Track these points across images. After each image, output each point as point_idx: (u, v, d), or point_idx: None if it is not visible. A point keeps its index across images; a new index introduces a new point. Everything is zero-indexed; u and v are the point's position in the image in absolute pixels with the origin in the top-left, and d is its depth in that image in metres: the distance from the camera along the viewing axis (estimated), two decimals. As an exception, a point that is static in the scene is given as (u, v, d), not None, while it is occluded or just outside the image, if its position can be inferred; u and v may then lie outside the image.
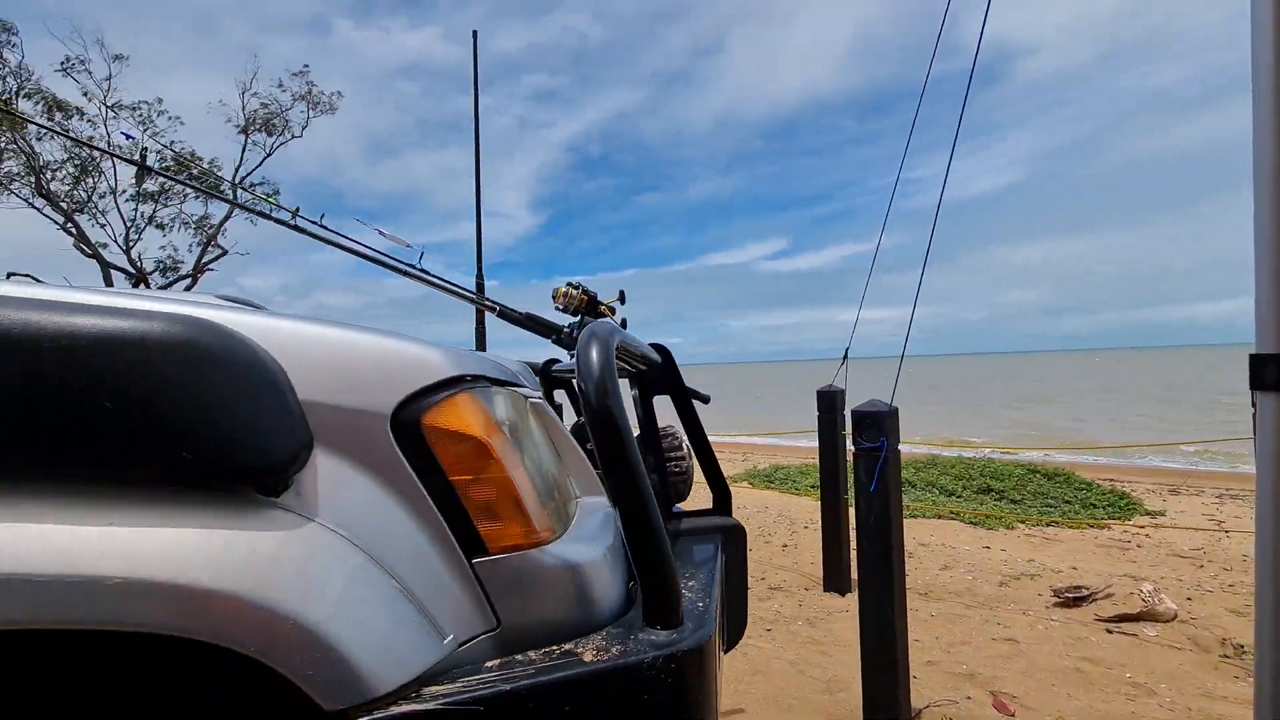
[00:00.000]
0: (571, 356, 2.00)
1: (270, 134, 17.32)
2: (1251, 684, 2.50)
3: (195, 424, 0.60)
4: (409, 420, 0.78)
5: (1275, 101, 0.92)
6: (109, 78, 15.10)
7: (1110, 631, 2.97)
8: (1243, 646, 2.72)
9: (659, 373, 1.45)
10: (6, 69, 13.99)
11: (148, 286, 16.63)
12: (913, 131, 2.23)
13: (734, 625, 1.43)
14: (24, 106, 14.07)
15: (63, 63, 14.73)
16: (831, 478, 3.68)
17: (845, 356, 3.07)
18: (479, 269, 2.65)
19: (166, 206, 16.80)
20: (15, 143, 14.05)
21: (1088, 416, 21.09)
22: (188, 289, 17.28)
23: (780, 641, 2.95)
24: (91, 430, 0.57)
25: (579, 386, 0.88)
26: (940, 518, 5.71)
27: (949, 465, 7.87)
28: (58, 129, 13.55)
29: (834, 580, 3.64)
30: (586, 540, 0.97)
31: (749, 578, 3.82)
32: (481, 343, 2.60)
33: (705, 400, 2.15)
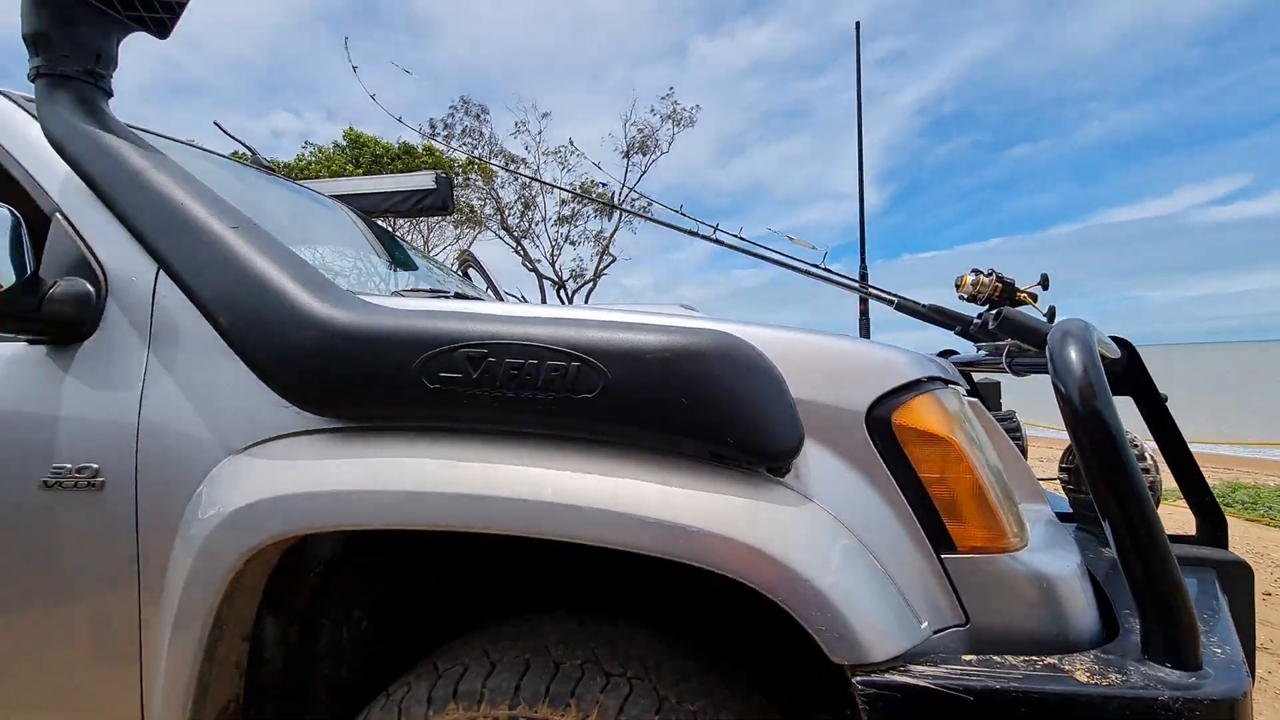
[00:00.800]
0: (979, 349, 1.85)
1: (645, 154, 20.18)
2: None
3: (734, 415, 0.77)
4: (881, 418, 0.85)
5: None
6: (540, 132, 19.66)
7: None
8: None
9: (1120, 370, 1.24)
10: (483, 140, 19.42)
11: (567, 291, 21.19)
12: None
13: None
14: (494, 164, 19.28)
15: (514, 126, 19.75)
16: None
17: None
18: (862, 260, 2.64)
19: (576, 227, 21.10)
20: (491, 192, 19.41)
21: None
22: (590, 290, 21.43)
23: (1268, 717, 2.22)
24: (676, 417, 0.78)
25: (1058, 387, 0.82)
26: None
27: None
28: (530, 175, 18.27)
29: (1373, 659, 2.56)
30: (1053, 552, 0.90)
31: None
32: (866, 333, 2.60)
33: (1160, 401, 1.75)
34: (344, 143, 16.75)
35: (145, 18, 1.19)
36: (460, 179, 18.45)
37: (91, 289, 1.04)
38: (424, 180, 2.74)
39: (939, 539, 0.83)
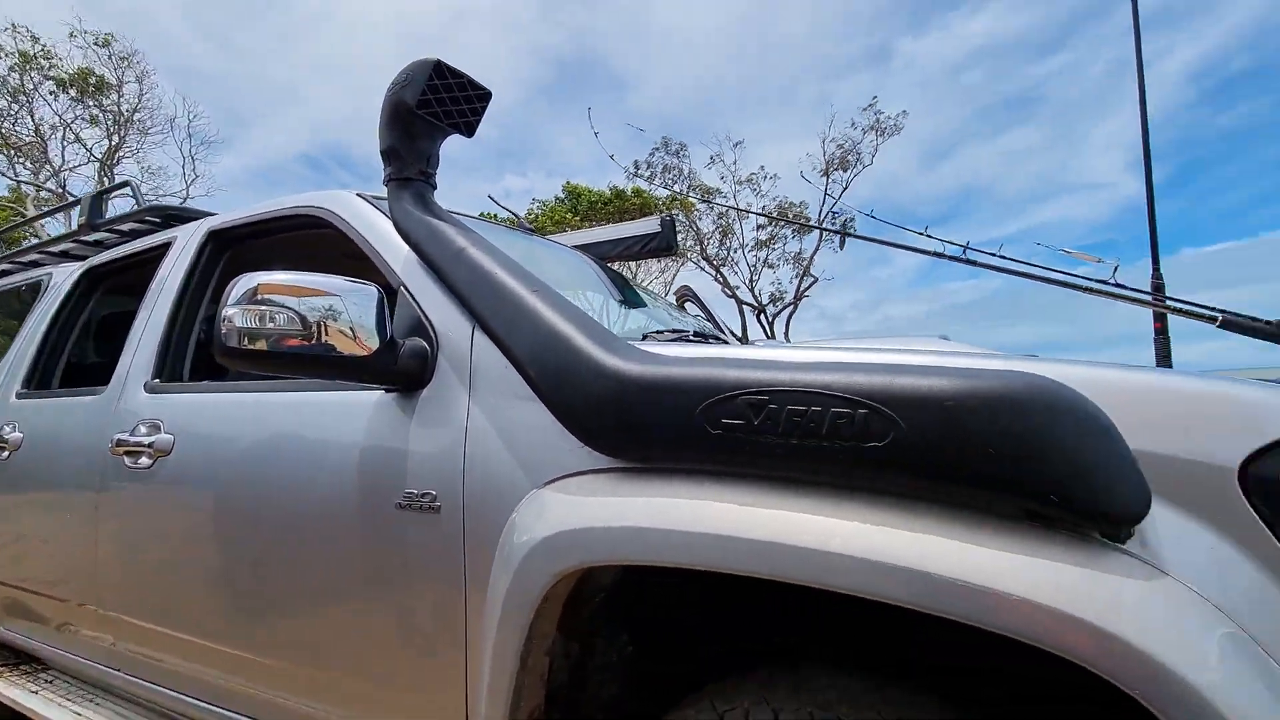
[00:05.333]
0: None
1: (845, 169, 19.36)
2: None
3: (1059, 467, 0.68)
4: (1264, 476, 0.69)
5: None
6: (735, 161, 19.98)
7: None
8: None
9: None
10: (682, 175, 20.29)
11: (767, 316, 20.99)
12: None
13: None
14: (691, 196, 20.04)
15: (710, 160, 20.35)
16: None
17: None
18: (1154, 268, 2.20)
19: (774, 250, 20.89)
20: (691, 224, 20.15)
21: None
22: (791, 314, 20.94)
23: None
24: (982, 469, 0.72)
25: None
26: None
27: None
28: (730, 204, 18.75)
29: None
30: None
31: None
32: (1166, 357, 2.15)
33: None
34: (563, 195, 18.76)
35: (460, 123, 1.46)
36: (669, 216, 19.50)
37: (427, 346, 1.29)
38: (651, 225, 2.94)
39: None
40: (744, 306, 21.31)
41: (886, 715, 0.84)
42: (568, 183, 18.69)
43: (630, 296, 2.47)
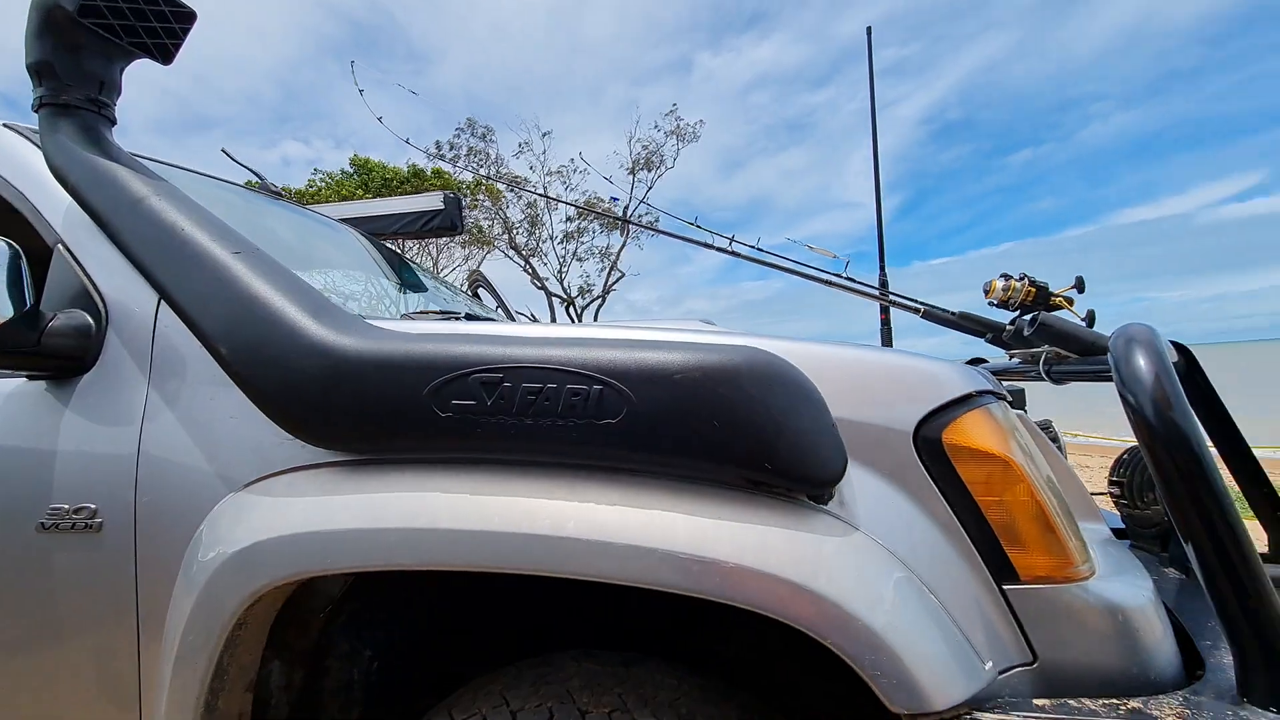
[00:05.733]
0: (1011, 356, 1.78)
1: (650, 169, 20.27)
2: None
3: (772, 438, 0.71)
4: (930, 437, 0.78)
5: None
6: (544, 151, 19.84)
7: None
8: None
9: (1179, 376, 1.16)
10: (489, 160, 19.61)
11: (576, 308, 21.24)
12: None
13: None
14: (498, 184, 19.45)
15: (518, 147, 19.96)
16: None
17: None
18: (881, 268, 2.57)
19: (582, 243, 21.18)
20: (498, 212, 19.57)
21: None
22: (599, 307, 21.45)
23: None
24: (708, 442, 0.72)
25: (1127, 398, 0.75)
26: None
27: None
28: (539, 192, 18.40)
29: None
30: (1124, 579, 0.83)
31: None
32: (888, 343, 2.52)
33: (1223, 409, 1.66)
34: (351, 169, 16.98)
35: (149, 44, 1.16)
36: (468, 199, 18.62)
37: (92, 321, 1.00)
38: (432, 201, 2.72)
39: (1000, 569, 0.76)
40: (553, 298, 21.30)
41: (626, 694, 0.83)
42: (355, 155, 16.91)
43: (409, 279, 2.26)
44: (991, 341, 1.75)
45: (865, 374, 0.82)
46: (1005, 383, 1.83)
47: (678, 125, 19.76)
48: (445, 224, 2.72)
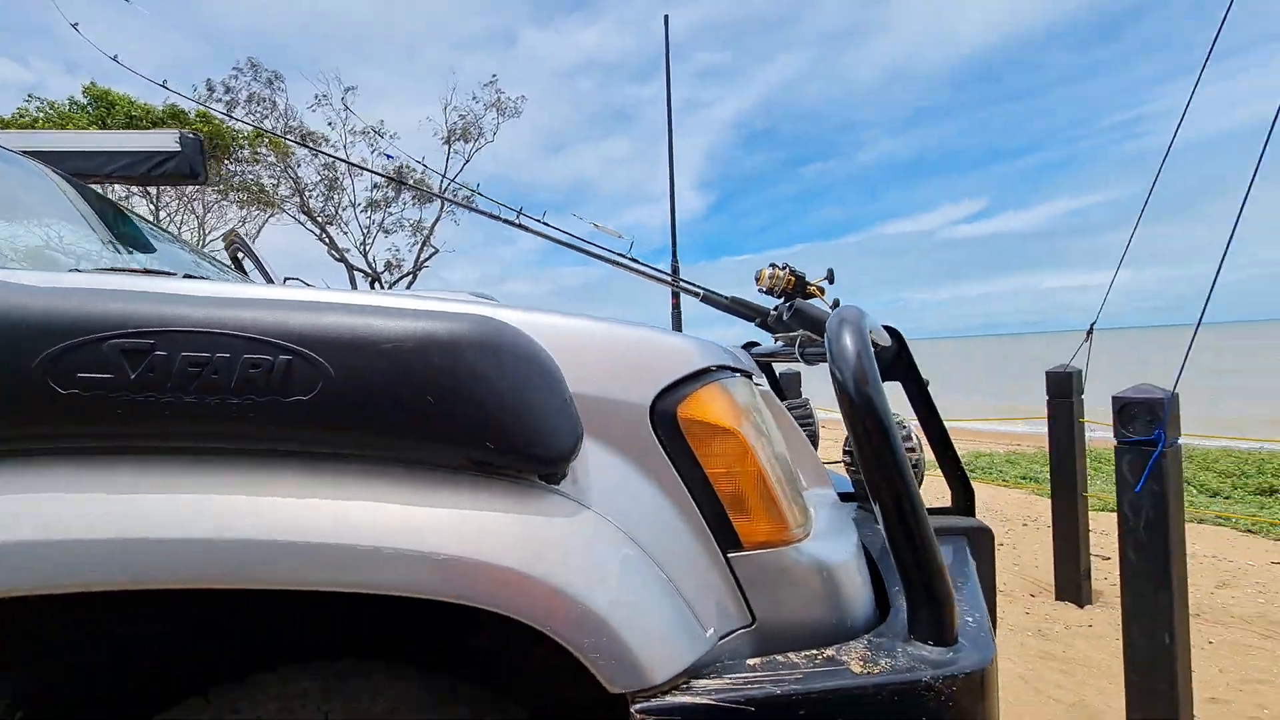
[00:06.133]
0: (776, 340, 1.93)
1: (468, 141, 19.28)
2: None
3: (497, 414, 0.64)
4: (666, 412, 0.78)
5: None
6: (346, 108, 17.84)
7: None
8: None
9: (890, 357, 1.33)
10: (277, 111, 17.15)
11: (382, 284, 19.55)
12: (1210, 54, 1.80)
13: (983, 638, 1.28)
14: (287, 139, 17.12)
15: (315, 100, 17.71)
16: (1066, 471, 3.20)
17: (1090, 331, 2.62)
18: (674, 254, 2.66)
19: (391, 214, 19.53)
20: (286, 170, 17.21)
21: None
22: (409, 284, 20.00)
23: (1008, 652, 2.64)
24: (422, 420, 0.63)
25: (834, 374, 0.81)
26: (1203, 522, 4.74)
27: (1213, 459, 6.50)
28: (327, 152, 16.34)
29: (1069, 589, 3.17)
30: (833, 539, 0.91)
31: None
32: (678, 326, 2.62)
33: (924, 385, 1.96)
34: (86, 100, 13.71)
35: None
36: (247, 152, 16.08)
37: None
38: (164, 140, 2.24)
39: (726, 537, 0.78)
40: (355, 272, 19.37)
41: (338, 708, 0.72)
42: (92, 84, 13.59)
43: (128, 234, 1.82)
44: (760, 326, 1.89)
45: (604, 348, 0.79)
46: (786, 365, 2.00)
47: (498, 98, 19.00)
48: (182, 170, 2.26)
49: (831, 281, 1.87)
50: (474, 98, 19.17)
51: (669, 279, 1.92)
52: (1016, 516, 4.82)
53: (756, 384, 1.09)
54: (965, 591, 0.98)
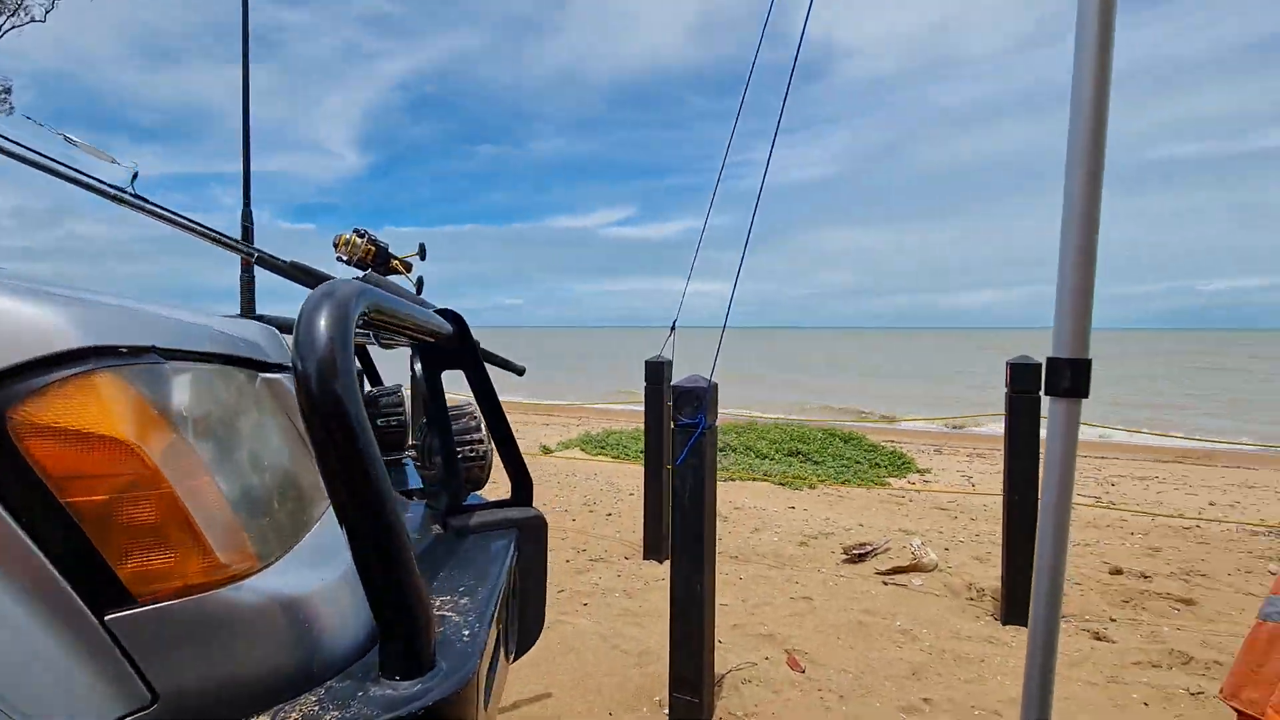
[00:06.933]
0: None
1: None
2: (987, 622, 2.94)
3: None
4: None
5: (1088, 140, 0.94)
6: None
7: (886, 584, 3.34)
8: (983, 590, 3.19)
9: (450, 343, 1.23)
10: None
11: None
12: (738, 119, 2.19)
13: (527, 630, 1.29)
14: None
15: None
16: (656, 447, 3.71)
17: (673, 328, 3.05)
18: (246, 206, 2.14)
19: None
20: None
21: (873, 385, 24.26)
22: None
23: (596, 615, 2.92)
24: None
25: (295, 364, 0.65)
26: (755, 480, 6.13)
27: (765, 430, 8.50)
28: None
29: (654, 549, 3.70)
30: (319, 562, 0.75)
31: (575, 552, 3.76)
32: (250, 297, 2.14)
33: (519, 372, 1.97)
34: None
35: None
36: None
37: None
38: None
39: (103, 592, 0.55)
40: None
41: None
42: None
43: None
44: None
45: None
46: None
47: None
48: None
49: (423, 258, 1.72)
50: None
51: (190, 225, 1.46)
52: (628, 488, 5.50)
53: (268, 374, 0.87)
54: (478, 596, 0.93)
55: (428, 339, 1.20)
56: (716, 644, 2.59)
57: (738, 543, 4.01)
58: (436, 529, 1.24)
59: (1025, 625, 2.89)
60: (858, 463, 7.31)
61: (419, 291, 1.61)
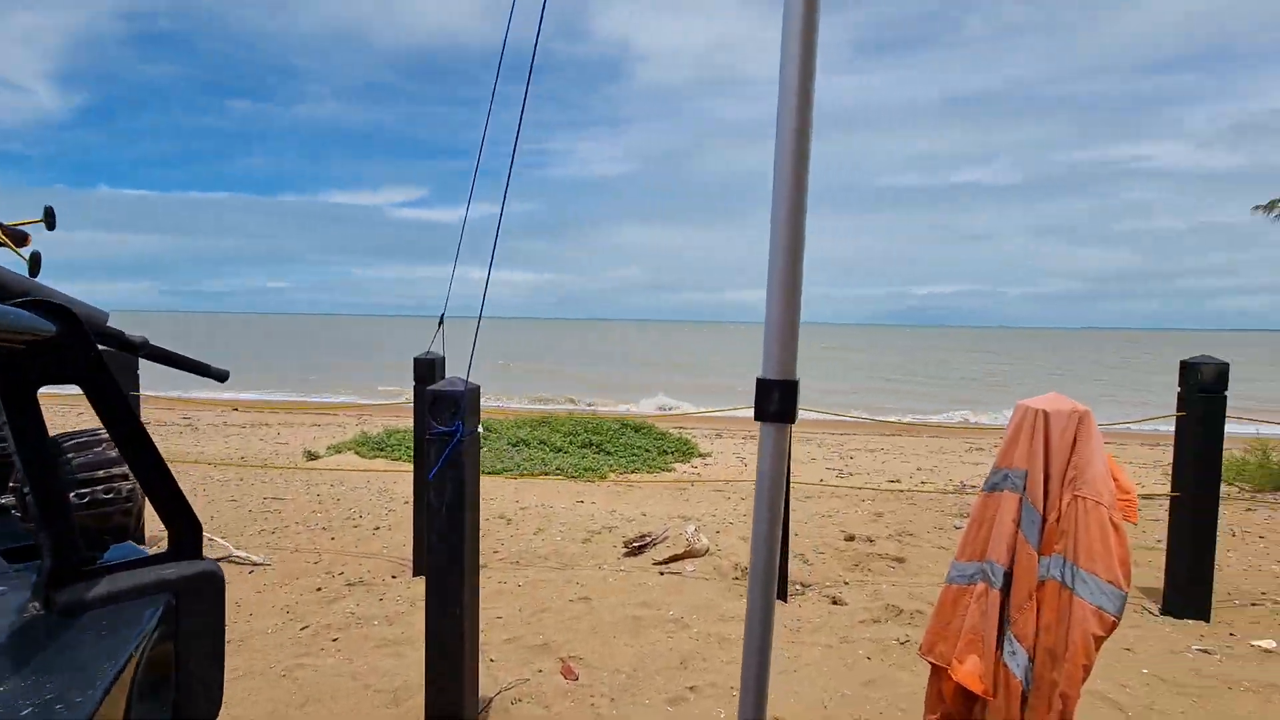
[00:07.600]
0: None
1: None
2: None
3: None
4: None
5: (790, 173, 0.94)
6: None
7: (662, 574, 3.44)
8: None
9: (53, 350, 0.88)
10: None
11: None
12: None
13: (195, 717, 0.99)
14: None
15: None
16: (421, 450, 3.39)
17: (441, 321, 2.78)
18: None
19: None
20: None
21: (666, 374, 25.87)
22: None
23: (349, 650, 2.55)
24: None
25: None
26: (547, 475, 6.03)
27: (560, 422, 8.47)
28: None
29: (424, 565, 3.38)
30: None
31: (329, 577, 3.24)
32: None
33: (221, 378, 1.58)
34: None
35: None
36: None
37: None
38: None
39: None
40: None
41: None
42: None
43: None
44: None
45: None
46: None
47: None
48: None
49: (50, 227, 1.27)
50: None
51: None
52: (403, 494, 5.02)
53: None
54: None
55: (18, 345, 0.84)
56: (488, 663, 2.41)
57: (519, 546, 3.86)
58: (33, 608, 0.89)
59: (784, 600, 3.18)
60: (647, 450, 7.60)
61: (35, 271, 1.18)
